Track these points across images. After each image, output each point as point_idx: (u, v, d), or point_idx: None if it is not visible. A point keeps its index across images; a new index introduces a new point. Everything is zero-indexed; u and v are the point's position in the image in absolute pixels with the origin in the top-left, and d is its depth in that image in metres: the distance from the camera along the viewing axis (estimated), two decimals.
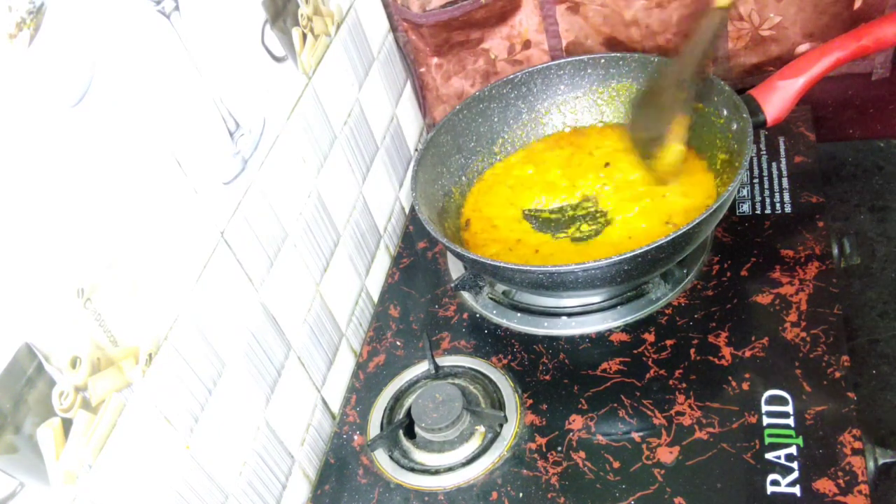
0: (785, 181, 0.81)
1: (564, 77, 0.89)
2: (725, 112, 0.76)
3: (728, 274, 0.74)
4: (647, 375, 0.68)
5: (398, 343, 0.80)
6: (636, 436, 0.65)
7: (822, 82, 0.75)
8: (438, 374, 0.75)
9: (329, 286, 0.78)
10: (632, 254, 0.63)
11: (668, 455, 0.62)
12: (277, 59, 0.70)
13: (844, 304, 0.69)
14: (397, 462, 0.69)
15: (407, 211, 0.98)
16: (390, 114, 0.95)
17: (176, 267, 0.56)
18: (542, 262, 0.76)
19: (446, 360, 0.76)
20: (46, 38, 0.45)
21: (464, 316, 0.80)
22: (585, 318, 0.75)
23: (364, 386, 0.77)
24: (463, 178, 0.88)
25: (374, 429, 0.73)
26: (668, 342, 0.70)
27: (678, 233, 0.64)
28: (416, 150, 1.02)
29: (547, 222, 0.81)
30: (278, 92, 0.70)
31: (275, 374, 0.68)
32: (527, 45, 0.96)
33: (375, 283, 0.89)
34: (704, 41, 0.74)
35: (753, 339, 0.68)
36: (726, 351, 0.68)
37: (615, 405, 0.67)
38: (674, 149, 0.76)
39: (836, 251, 0.74)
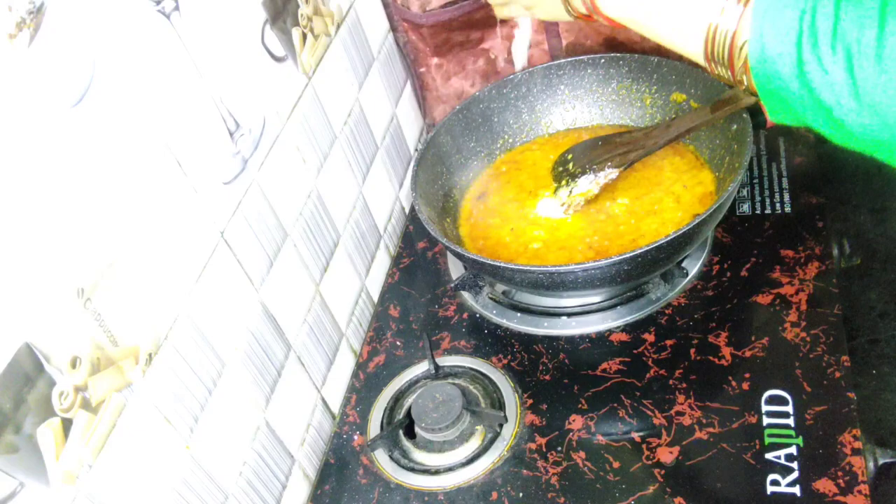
0: (785, 181, 0.81)
1: (564, 77, 0.89)
2: None
3: (728, 274, 0.74)
4: (647, 375, 0.68)
5: (398, 343, 0.80)
6: (636, 436, 0.65)
7: None
8: (438, 374, 0.75)
9: (329, 286, 0.78)
10: (632, 254, 0.63)
11: (668, 455, 0.62)
12: (277, 59, 0.70)
13: (844, 304, 0.69)
14: (397, 462, 0.69)
15: (407, 211, 0.98)
16: (390, 114, 0.95)
17: (176, 267, 0.56)
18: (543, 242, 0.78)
19: (446, 360, 0.76)
20: (46, 38, 0.45)
21: (464, 316, 0.80)
22: (585, 318, 0.75)
23: (364, 386, 0.77)
24: (463, 177, 0.88)
25: (374, 429, 0.73)
26: (668, 342, 0.70)
27: (678, 233, 0.64)
28: (416, 150, 1.02)
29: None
30: (278, 92, 0.70)
31: (275, 374, 0.68)
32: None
33: (375, 283, 0.89)
34: (682, 129, 0.76)
35: (753, 339, 0.68)
36: (726, 351, 0.68)
37: (615, 405, 0.67)
38: (590, 192, 0.78)
39: (836, 251, 0.74)
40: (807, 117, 0.45)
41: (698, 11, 0.47)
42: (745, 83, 0.47)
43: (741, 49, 0.45)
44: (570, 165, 0.81)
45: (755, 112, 0.74)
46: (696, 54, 0.49)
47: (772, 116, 0.47)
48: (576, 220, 0.79)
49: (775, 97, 0.45)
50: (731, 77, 0.48)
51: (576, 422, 0.67)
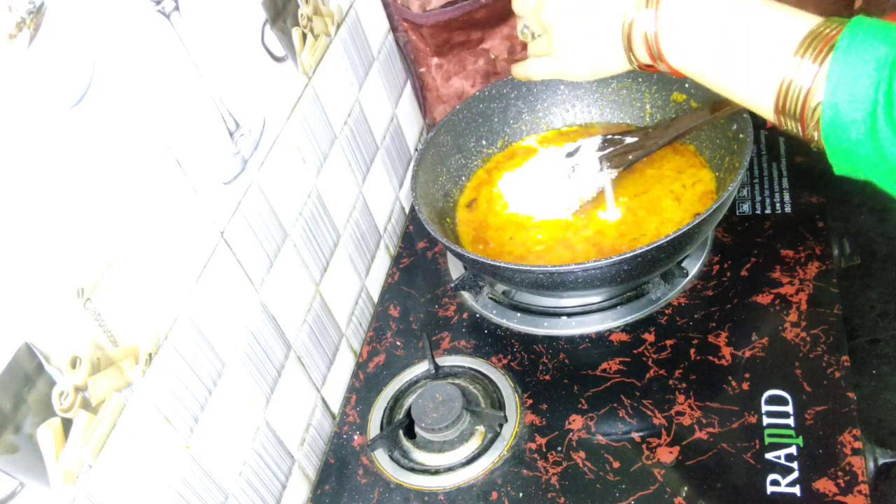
0: (785, 181, 0.81)
1: None
2: None
3: (728, 274, 0.74)
4: (647, 375, 0.68)
5: (398, 343, 0.80)
6: (636, 436, 0.65)
7: None
8: (438, 374, 0.75)
9: (329, 286, 0.78)
10: (632, 254, 0.63)
11: (668, 455, 0.62)
12: (277, 59, 0.70)
13: (844, 304, 0.69)
14: (397, 462, 0.69)
15: (407, 211, 0.98)
16: (390, 114, 0.95)
17: (176, 267, 0.56)
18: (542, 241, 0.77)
19: (446, 360, 0.76)
20: (46, 38, 0.45)
21: (464, 316, 0.80)
22: (585, 318, 0.75)
23: (364, 386, 0.77)
24: (463, 177, 0.88)
25: (374, 429, 0.73)
26: (668, 342, 0.70)
27: (678, 233, 0.64)
28: (416, 150, 1.02)
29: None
30: (278, 92, 0.70)
31: (275, 374, 0.68)
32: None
33: (375, 283, 0.89)
34: (682, 129, 0.76)
35: (753, 339, 0.68)
36: (726, 351, 0.68)
37: (615, 405, 0.67)
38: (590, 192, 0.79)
39: (836, 251, 0.74)
40: (874, 176, 0.46)
41: (772, 66, 0.47)
42: (815, 139, 0.47)
43: (814, 110, 0.45)
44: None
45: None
46: (764, 109, 0.49)
47: (837, 171, 0.48)
48: (576, 220, 0.79)
49: (845, 157, 0.46)
50: (800, 131, 0.47)
51: (576, 422, 0.67)
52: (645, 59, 0.55)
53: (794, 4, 0.70)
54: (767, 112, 0.49)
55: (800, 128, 0.47)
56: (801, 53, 0.45)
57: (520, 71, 0.69)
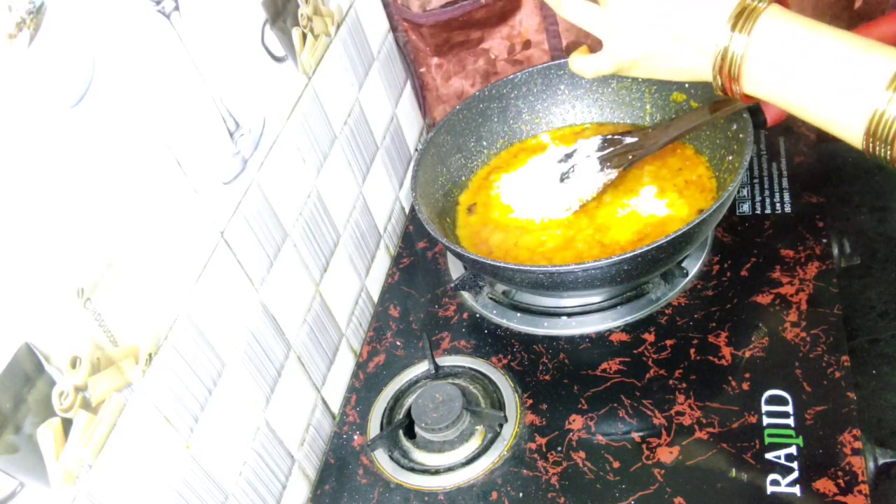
0: (785, 181, 0.81)
1: (564, 77, 0.89)
2: None
3: (728, 274, 0.74)
4: (647, 375, 0.68)
5: (398, 343, 0.80)
6: (636, 436, 0.65)
7: None
8: (438, 374, 0.75)
9: (329, 286, 0.78)
10: (632, 254, 0.63)
11: (668, 455, 0.62)
12: (277, 59, 0.70)
13: (844, 304, 0.69)
14: (397, 462, 0.69)
15: (407, 211, 0.98)
16: (390, 114, 0.95)
17: (176, 267, 0.56)
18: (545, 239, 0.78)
19: (446, 360, 0.76)
20: (46, 38, 0.45)
21: (464, 316, 0.80)
22: (585, 318, 0.75)
23: (364, 386, 0.77)
24: (463, 177, 0.88)
25: (374, 429, 0.73)
26: (668, 342, 0.70)
27: (678, 233, 0.64)
28: (416, 150, 1.02)
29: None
30: (278, 92, 0.70)
31: (275, 374, 0.68)
32: (527, 44, 0.96)
33: (375, 283, 0.89)
34: (682, 129, 0.76)
35: (753, 339, 0.68)
36: (726, 351, 0.68)
37: (615, 405, 0.67)
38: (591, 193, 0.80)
39: (836, 251, 0.74)
40: None
41: (864, 98, 0.49)
42: None
43: None
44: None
45: (755, 112, 0.74)
46: (853, 133, 0.51)
47: None
48: (577, 221, 0.79)
49: None
50: (889, 154, 0.49)
51: (576, 422, 0.67)
52: (725, 80, 0.56)
53: (794, 4, 0.70)
54: (855, 136, 0.51)
55: (890, 151, 0.49)
56: (893, 88, 0.47)
57: (577, 67, 0.68)
